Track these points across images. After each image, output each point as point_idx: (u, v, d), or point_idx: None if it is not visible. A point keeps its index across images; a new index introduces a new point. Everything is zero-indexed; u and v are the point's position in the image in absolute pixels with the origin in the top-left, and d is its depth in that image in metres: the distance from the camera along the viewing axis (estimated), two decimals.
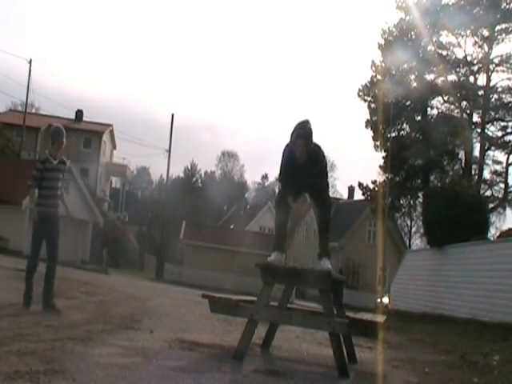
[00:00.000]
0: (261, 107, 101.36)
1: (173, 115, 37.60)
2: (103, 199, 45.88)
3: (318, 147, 4.76)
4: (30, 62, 36.21)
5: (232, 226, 51.40)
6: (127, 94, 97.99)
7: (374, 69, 28.51)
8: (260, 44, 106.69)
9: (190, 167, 70.60)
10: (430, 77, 27.57)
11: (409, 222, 42.59)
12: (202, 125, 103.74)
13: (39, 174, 6.37)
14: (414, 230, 43.81)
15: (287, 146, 4.71)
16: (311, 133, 4.57)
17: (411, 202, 29.10)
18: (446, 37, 27.04)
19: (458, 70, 26.80)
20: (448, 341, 8.58)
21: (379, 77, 28.10)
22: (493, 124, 26.42)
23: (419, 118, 28.37)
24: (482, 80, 26.38)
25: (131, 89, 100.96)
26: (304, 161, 4.57)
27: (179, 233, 39.03)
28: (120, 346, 4.26)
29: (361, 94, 28.80)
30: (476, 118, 26.71)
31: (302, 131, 4.53)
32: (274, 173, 70.84)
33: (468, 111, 26.79)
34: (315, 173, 4.75)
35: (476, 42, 26.24)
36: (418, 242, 41.94)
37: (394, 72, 27.69)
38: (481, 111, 26.30)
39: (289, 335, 6.37)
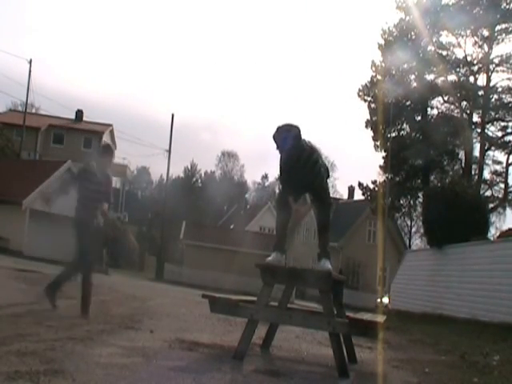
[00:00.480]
0: (261, 107, 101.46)
1: (173, 115, 37.63)
2: None
3: (308, 145, 4.72)
4: (30, 62, 36.29)
5: (232, 226, 51.41)
6: (127, 94, 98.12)
7: (374, 69, 28.53)
8: (260, 44, 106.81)
9: (190, 167, 70.76)
10: (430, 77, 27.60)
11: (409, 222, 42.63)
12: (202, 125, 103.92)
13: (80, 180, 6.55)
14: (414, 230, 43.87)
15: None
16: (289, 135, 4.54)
17: (411, 202, 29.12)
18: (446, 37, 27.13)
19: (458, 69, 26.82)
20: (448, 341, 8.58)
21: (379, 77, 28.11)
22: (493, 124, 26.45)
23: (419, 117, 28.38)
24: (482, 80, 26.46)
25: (131, 89, 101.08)
26: (296, 160, 4.57)
27: (179, 233, 39.04)
28: (120, 346, 4.26)
29: (361, 93, 28.82)
30: (476, 118, 26.79)
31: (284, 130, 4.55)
32: (274, 173, 70.93)
33: (468, 111, 26.81)
34: (309, 172, 4.71)
35: (476, 42, 26.28)
36: (417, 241, 42.01)
37: (394, 72, 27.71)
38: (481, 111, 26.32)
39: (289, 335, 6.37)
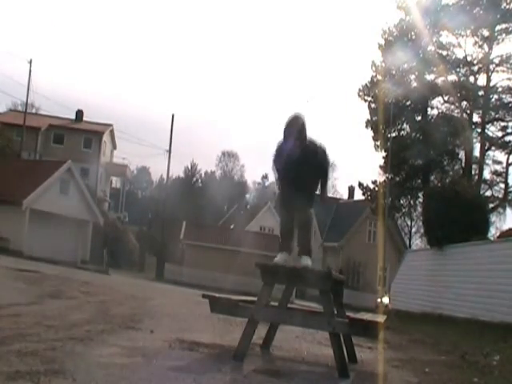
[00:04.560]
0: (261, 107, 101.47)
1: (173, 115, 37.67)
2: (103, 199, 45.84)
3: (321, 149, 4.75)
4: (30, 62, 36.32)
5: (232, 226, 51.32)
6: (127, 94, 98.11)
7: (374, 69, 28.52)
8: (260, 44, 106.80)
9: (190, 167, 70.70)
10: (430, 77, 27.56)
11: (409, 222, 42.54)
12: (202, 125, 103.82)
13: None
14: (414, 230, 43.79)
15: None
16: (303, 126, 4.58)
17: (411, 202, 29.09)
18: (446, 37, 27.07)
19: (458, 69, 26.80)
20: (448, 341, 8.58)
21: (379, 77, 28.09)
22: (493, 124, 26.43)
23: (419, 117, 28.35)
24: (482, 80, 26.43)
25: (131, 89, 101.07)
26: (298, 155, 4.56)
27: (179, 233, 38.98)
28: (120, 346, 4.26)
29: (361, 93, 28.80)
30: (476, 118, 26.76)
31: (293, 124, 4.56)
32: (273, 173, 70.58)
33: (468, 111, 26.79)
34: (312, 171, 4.73)
35: (476, 42, 26.24)
36: (418, 241, 41.93)
37: (394, 72, 27.68)
38: (481, 111, 26.30)
39: (289, 335, 6.36)
